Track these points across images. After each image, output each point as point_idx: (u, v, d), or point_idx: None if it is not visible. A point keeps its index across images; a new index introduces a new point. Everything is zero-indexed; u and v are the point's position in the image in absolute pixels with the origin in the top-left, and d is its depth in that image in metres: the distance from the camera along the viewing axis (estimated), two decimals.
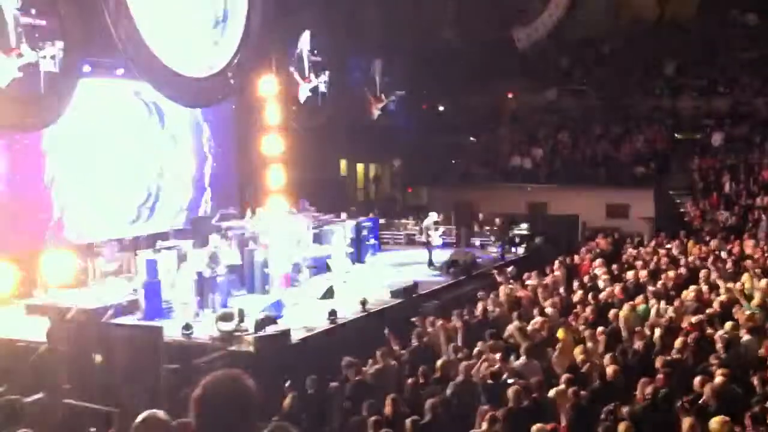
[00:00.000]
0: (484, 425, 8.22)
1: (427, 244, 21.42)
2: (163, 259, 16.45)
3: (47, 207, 17.68)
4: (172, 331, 13.70)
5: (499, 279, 17.16)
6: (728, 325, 11.81)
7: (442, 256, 21.17)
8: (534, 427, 8.05)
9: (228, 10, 20.10)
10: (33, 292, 16.39)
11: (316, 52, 24.09)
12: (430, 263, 20.93)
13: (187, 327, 14.06)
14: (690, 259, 18.41)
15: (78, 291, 16.31)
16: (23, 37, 15.34)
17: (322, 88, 23.85)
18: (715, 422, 7.84)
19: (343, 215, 22.47)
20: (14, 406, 5.49)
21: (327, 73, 24.30)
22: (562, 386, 9.70)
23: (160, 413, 3.70)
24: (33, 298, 16.13)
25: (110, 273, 17.42)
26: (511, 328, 12.83)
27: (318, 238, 20.42)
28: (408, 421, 8.41)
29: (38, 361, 12.62)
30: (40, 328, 13.25)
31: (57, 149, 17.85)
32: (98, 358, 12.38)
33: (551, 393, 9.63)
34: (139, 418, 3.61)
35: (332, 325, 14.97)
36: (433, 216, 22.01)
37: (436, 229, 21.65)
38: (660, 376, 9.71)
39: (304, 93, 23.52)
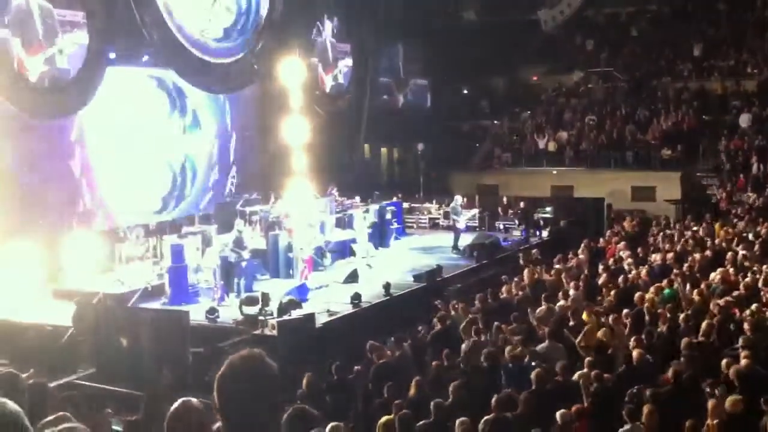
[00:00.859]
0: (494, 410, 8.20)
1: (454, 228, 21.43)
2: (188, 243, 16.56)
3: (76, 194, 17.83)
4: (197, 315, 13.83)
5: (522, 262, 17.11)
6: (754, 307, 11.69)
7: (466, 239, 21.14)
8: (558, 413, 8.03)
9: None
10: (60, 278, 16.57)
11: (339, 38, 24.07)
12: (455, 246, 20.90)
13: (212, 311, 14.18)
14: (717, 241, 18.23)
15: (104, 276, 16.48)
16: (56, 29, 15.50)
17: (341, 78, 23.87)
18: (729, 402, 7.83)
19: (356, 198, 22.47)
20: (41, 389, 5.55)
21: (350, 58, 24.29)
22: (585, 369, 9.67)
23: (194, 400, 3.72)
24: (60, 283, 16.30)
25: (136, 258, 17.58)
26: (535, 312, 12.80)
27: (341, 223, 20.45)
28: (432, 404, 8.42)
29: (65, 346, 12.79)
30: (67, 313, 13.43)
31: (85, 137, 17.99)
32: (124, 342, 12.54)
33: (575, 376, 9.60)
34: (174, 405, 3.65)
35: (356, 309, 15.01)
36: (458, 199, 21.97)
37: (462, 213, 21.59)
38: (685, 358, 9.63)
39: (328, 82, 23.54)
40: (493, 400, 8.30)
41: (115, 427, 7.63)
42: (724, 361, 9.32)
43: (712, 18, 32.15)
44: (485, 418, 8.00)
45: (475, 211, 23.18)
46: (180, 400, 3.72)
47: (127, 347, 12.62)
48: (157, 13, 17.00)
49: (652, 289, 13.48)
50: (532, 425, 8.00)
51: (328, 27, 23.79)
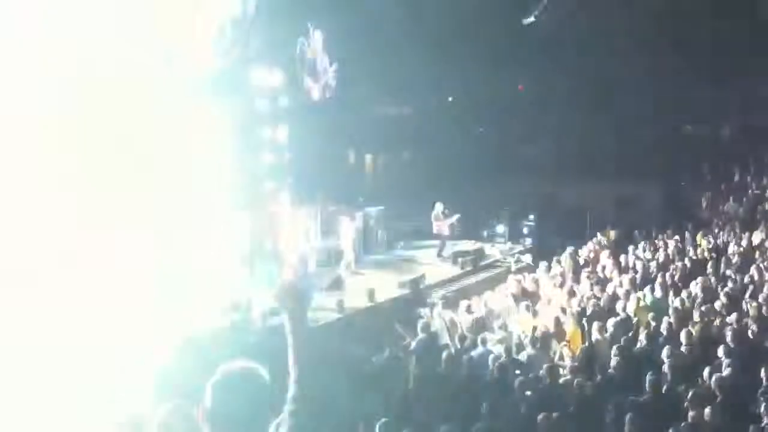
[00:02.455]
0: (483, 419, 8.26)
1: (438, 235, 21.53)
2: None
3: None
4: None
5: (513, 268, 17.24)
6: (734, 316, 11.80)
7: (451, 247, 21.23)
8: (540, 416, 8.11)
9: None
10: None
11: (327, 47, 24.07)
12: (440, 253, 20.98)
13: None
14: (698, 251, 18.38)
15: None
16: None
17: (328, 87, 23.88)
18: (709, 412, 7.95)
19: (341, 205, 22.43)
20: None
21: (337, 67, 24.29)
22: (568, 377, 9.74)
23: (184, 405, 3.73)
24: None
25: None
26: (518, 320, 12.87)
27: (326, 229, 20.42)
28: (414, 412, 8.46)
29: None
30: None
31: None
32: None
33: (558, 384, 9.67)
34: (164, 409, 3.65)
35: (340, 316, 15.00)
36: (438, 207, 21.95)
37: (445, 218, 21.57)
38: (666, 367, 9.72)
39: (315, 90, 23.53)
40: (483, 408, 8.36)
41: None
42: (705, 371, 9.41)
43: (695, 27, 32.29)
44: (475, 426, 8.05)
45: (457, 216, 23.05)
46: (170, 404, 3.72)
47: None
48: None
49: (633, 297, 13.59)
50: None
51: (317, 35, 23.78)
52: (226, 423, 2.91)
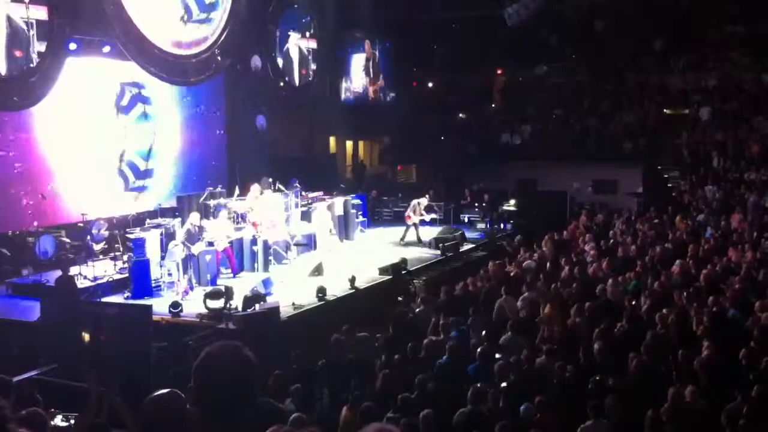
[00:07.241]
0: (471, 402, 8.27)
1: (405, 222, 21.69)
2: (151, 237, 16.37)
3: (36, 185, 17.51)
4: (160, 309, 13.72)
5: (509, 249, 17.37)
6: (711, 299, 11.87)
7: (431, 232, 21.31)
8: (522, 407, 8.11)
9: None
10: (21, 271, 16.33)
11: (307, 32, 23.96)
12: (402, 239, 21.23)
13: (176, 305, 14.05)
14: (677, 234, 18.50)
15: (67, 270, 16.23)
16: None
17: (309, 72, 23.82)
18: (689, 392, 7.99)
19: (321, 192, 22.43)
20: (4, 384, 5.47)
21: (317, 52, 24.21)
22: (548, 361, 9.76)
23: (175, 391, 3.70)
24: (21, 277, 16.07)
25: (99, 252, 17.37)
26: (498, 304, 12.89)
27: (306, 216, 20.36)
28: (399, 398, 8.46)
29: (27, 340, 12.64)
30: (28, 307, 13.26)
31: (45, 128, 17.63)
32: (86, 336, 12.40)
33: (538, 368, 9.69)
34: (156, 394, 3.61)
35: (321, 303, 15.00)
36: (423, 201, 21.85)
37: (421, 212, 21.52)
38: (646, 349, 9.76)
39: (296, 77, 23.46)
40: (469, 393, 8.36)
41: (60, 423, 7.49)
42: (682, 354, 9.47)
43: (675, 13, 32.41)
44: (460, 411, 8.06)
45: (432, 215, 22.95)
46: (162, 391, 3.69)
47: (89, 342, 12.47)
48: (119, 4, 16.80)
49: (613, 281, 13.64)
50: (501, 418, 8.06)
51: (295, 36, 23.66)
52: (214, 401, 2.89)
